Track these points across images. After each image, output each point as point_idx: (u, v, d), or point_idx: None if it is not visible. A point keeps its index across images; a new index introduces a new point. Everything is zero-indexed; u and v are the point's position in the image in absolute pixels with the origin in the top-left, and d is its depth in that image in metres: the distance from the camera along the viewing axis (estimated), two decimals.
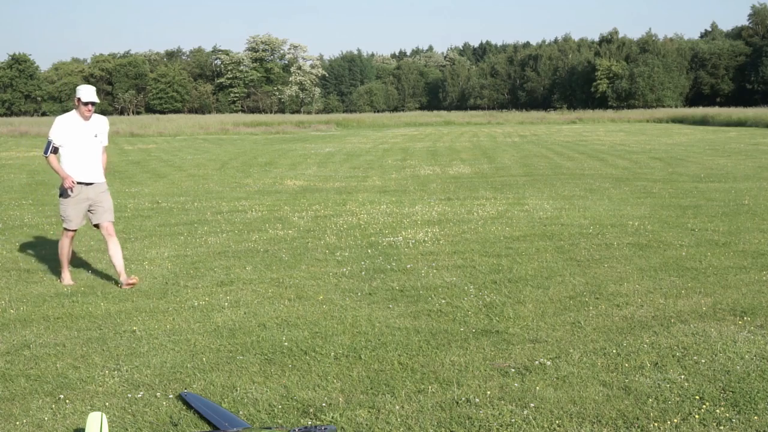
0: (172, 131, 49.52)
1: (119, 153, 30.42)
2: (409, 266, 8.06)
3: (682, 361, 5.02)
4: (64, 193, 7.34)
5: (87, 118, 7.25)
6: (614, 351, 5.24)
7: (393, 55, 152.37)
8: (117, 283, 7.43)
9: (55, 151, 7.26)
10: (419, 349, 5.36)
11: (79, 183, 7.28)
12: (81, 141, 7.24)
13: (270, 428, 4.10)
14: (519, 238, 9.56)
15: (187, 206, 13.46)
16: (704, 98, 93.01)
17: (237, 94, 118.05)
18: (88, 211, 7.46)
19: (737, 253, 8.41)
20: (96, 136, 7.34)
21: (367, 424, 4.15)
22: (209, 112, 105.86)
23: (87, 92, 7.18)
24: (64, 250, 7.55)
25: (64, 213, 7.42)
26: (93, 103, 7.18)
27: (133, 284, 7.28)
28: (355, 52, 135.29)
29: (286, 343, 5.52)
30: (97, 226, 7.56)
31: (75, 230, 7.51)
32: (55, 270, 8.18)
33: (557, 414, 4.23)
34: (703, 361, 5.02)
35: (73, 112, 7.30)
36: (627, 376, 4.78)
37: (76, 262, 8.61)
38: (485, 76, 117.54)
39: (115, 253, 7.44)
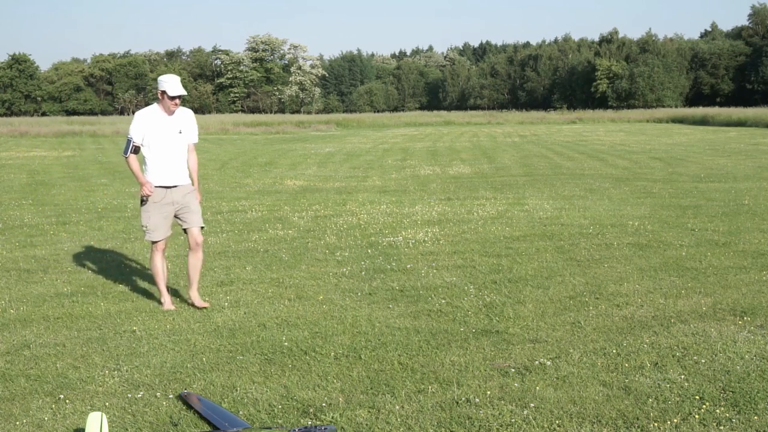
0: None
1: (119, 153, 30.42)
2: (409, 266, 8.06)
3: (682, 361, 5.03)
4: (144, 199, 6.46)
5: (171, 113, 6.33)
6: (614, 351, 5.24)
7: (393, 55, 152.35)
8: (189, 303, 6.65)
9: (136, 151, 6.38)
10: (419, 349, 5.36)
11: (160, 187, 6.37)
12: (164, 138, 6.32)
13: (270, 428, 4.10)
14: (519, 238, 9.56)
15: None
16: (704, 98, 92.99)
17: (237, 94, 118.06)
18: (176, 216, 6.52)
19: (737, 253, 8.41)
20: (180, 132, 6.39)
21: (367, 424, 4.15)
22: (209, 112, 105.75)
23: (173, 84, 6.19)
24: (157, 269, 6.55)
25: (147, 222, 6.44)
26: (180, 96, 6.26)
27: (203, 308, 6.44)
28: (355, 52, 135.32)
29: (286, 343, 5.52)
30: (186, 231, 6.61)
31: (162, 242, 6.50)
32: (55, 270, 8.17)
33: (557, 414, 4.23)
34: (703, 361, 5.02)
35: (155, 105, 6.37)
36: (627, 376, 4.78)
37: (76, 262, 8.61)
38: (485, 76, 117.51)
39: (195, 265, 6.55)
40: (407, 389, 4.63)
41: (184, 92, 6.23)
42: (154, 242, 6.49)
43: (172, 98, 6.22)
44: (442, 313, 6.27)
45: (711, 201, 12.86)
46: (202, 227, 6.62)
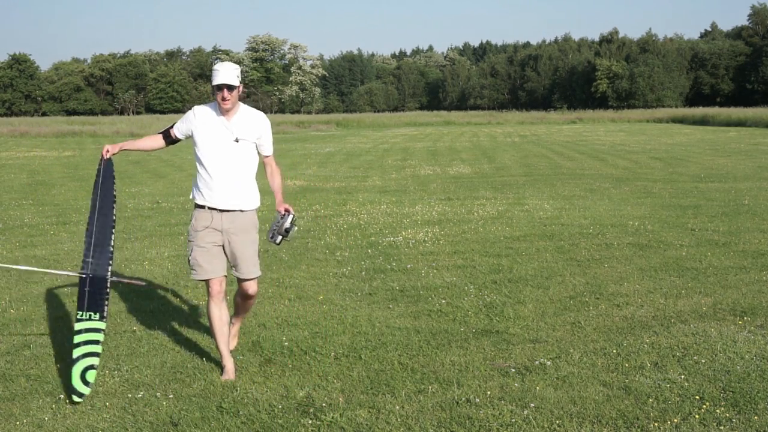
0: None
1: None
2: (409, 266, 8.06)
3: (682, 361, 5.02)
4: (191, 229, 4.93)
5: (225, 111, 4.81)
6: (614, 351, 5.24)
7: (393, 55, 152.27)
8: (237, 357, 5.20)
9: (167, 135, 5.01)
10: (419, 349, 5.36)
11: (201, 207, 4.87)
12: (213, 145, 4.81)
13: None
14: (519, 238, 9.56)
15: (187, 206, 13.45)
16: (704, 98, 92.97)
17: None
18: (226, 254, 4.93)
19: (737, 253, 8.41)
20: (237, 141, 4.81)
21: (367, 424, 4.15)
22: None
23: (220, 72, 4.71)
24: (213, 321, 4.93)
25: (189, 255, 4.93)
26: (229, 87, 4.71)
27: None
28: (355, 52, 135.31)
29: (286, 343, 5.52)
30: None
31: (214, 284, 4.88)
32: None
33: (557, 414, 4.23)
34: (703, 361, 5.02)
35: (214, 103, 4.91)
36: (627, 376, 4.78)
37: (76, 262, 8.59)
38: (485, 76, 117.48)
39: (238, 311, 5.24)
40: (407, 389, 4.63)
41: (230, 82, 4.68)
42: (206, 285, 4.96)
43: (218, 88, 4.73)
44: (442, 313, 6.26)
45: (711, 201, 12.86)
46: (254, 278, 4.98)
